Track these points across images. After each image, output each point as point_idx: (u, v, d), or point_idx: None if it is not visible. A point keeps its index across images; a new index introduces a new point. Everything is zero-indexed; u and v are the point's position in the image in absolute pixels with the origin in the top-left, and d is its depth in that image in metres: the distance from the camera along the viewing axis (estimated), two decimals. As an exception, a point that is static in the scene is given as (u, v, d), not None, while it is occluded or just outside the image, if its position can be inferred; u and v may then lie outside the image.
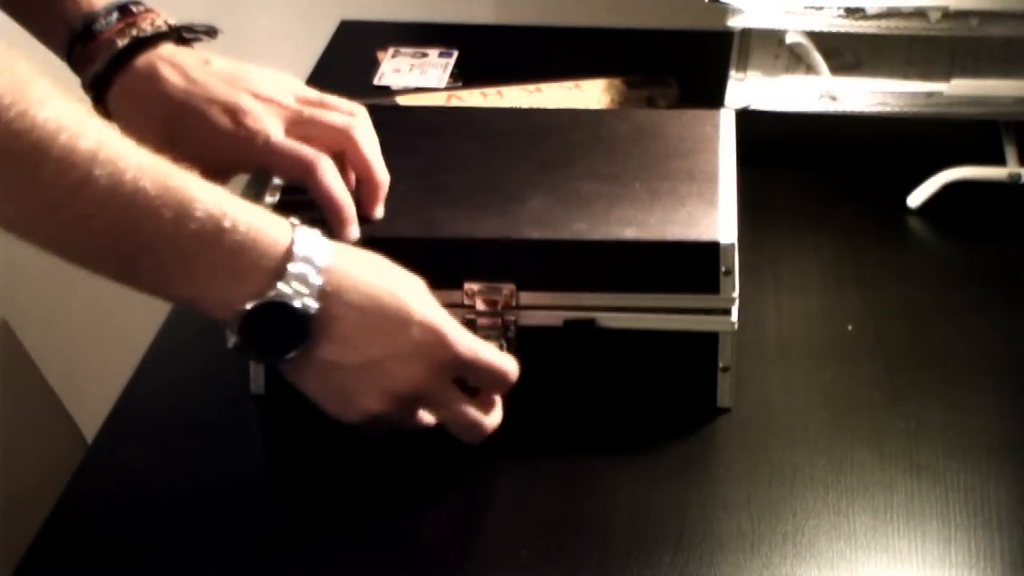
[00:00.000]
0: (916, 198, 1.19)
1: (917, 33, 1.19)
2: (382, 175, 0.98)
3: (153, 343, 1.06)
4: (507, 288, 0.95)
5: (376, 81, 1.40)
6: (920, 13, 1.18)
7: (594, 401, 0.98)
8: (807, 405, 0.99)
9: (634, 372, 0.98)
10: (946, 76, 1.23)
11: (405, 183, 1.00)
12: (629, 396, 0.99)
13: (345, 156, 0.98)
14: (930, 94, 1.21)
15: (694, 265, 0.94)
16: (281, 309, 0.83)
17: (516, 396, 0.96)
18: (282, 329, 0.84)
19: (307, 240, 0.85)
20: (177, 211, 0.81)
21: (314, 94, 1.00)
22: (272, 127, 0.96)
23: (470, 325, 0.95)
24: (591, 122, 1.10)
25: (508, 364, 0.92)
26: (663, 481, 0.93)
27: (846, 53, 1.28)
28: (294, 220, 0.86)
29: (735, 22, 1.21)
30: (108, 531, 0.91)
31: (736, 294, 0.95)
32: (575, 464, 0.95)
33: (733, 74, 1.26)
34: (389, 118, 1.12)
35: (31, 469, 1.10)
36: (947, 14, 1.18)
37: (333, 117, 0.98)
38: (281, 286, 0.83)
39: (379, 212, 0.97)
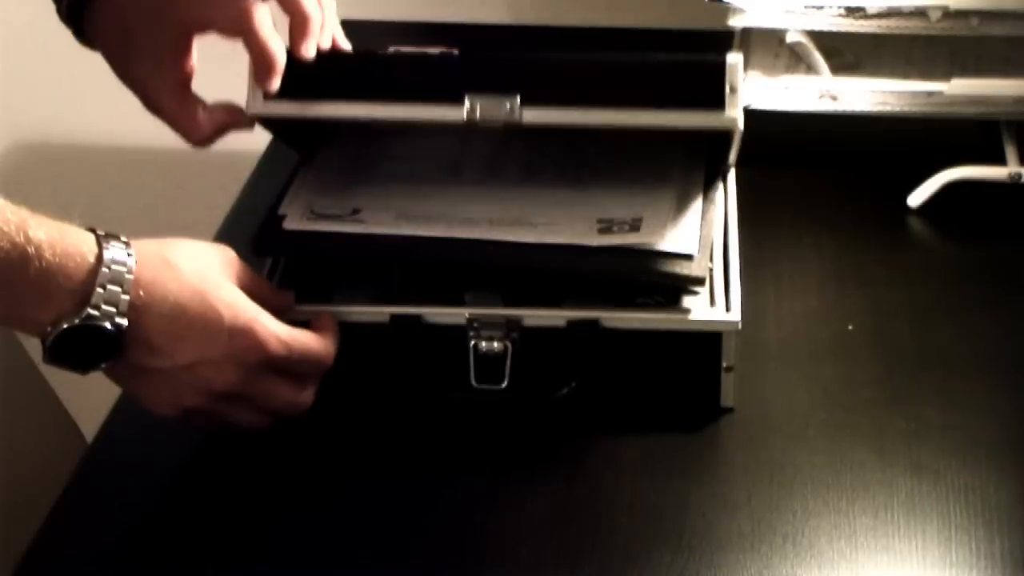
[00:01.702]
0: (916, 198, 1.19)
1: (917, 32, 1.19)
2: (310, 8, 0.96)
3: (153, 343, 1.06)
4: (509, 101, 0.94)
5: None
6: (920, 12, 1.18)
7: (596, 401, 0.98)
8: (808, 405, 0.99)
9: (637, 373, 0.98)
10: (946, 76, 1.22)
11: None
12: (632, 396, 0.99)
13: None
14: (930, 94, 1.21)
15: (700, 82, 0.94)
16: (90, 330, 0.84)
17: (517, 396, 0.97)
18: (92, 346, 0.85)
19: (114, 256, 0.84)
20: None
21: None
22: None
23: (472, 330, 0.96)
24: None
25: (323, 349, 0.93)
26: (663, 481, 0.93)
27: (846, 53, 1.28)
28: (100, 232, 0.86)
29: (735, 22, 1.21)
30: (108, 531, 0.91)
31: (741, 114, 0.94)
32: (575, 464, 0.95)
33: (733, 74, 1.26)
34: None
35: (31, 469, 1.10)
36: (947, 13, 1.17)
37: None
38: (89, 309, 0.83)
39: (309, 51, 0.95)
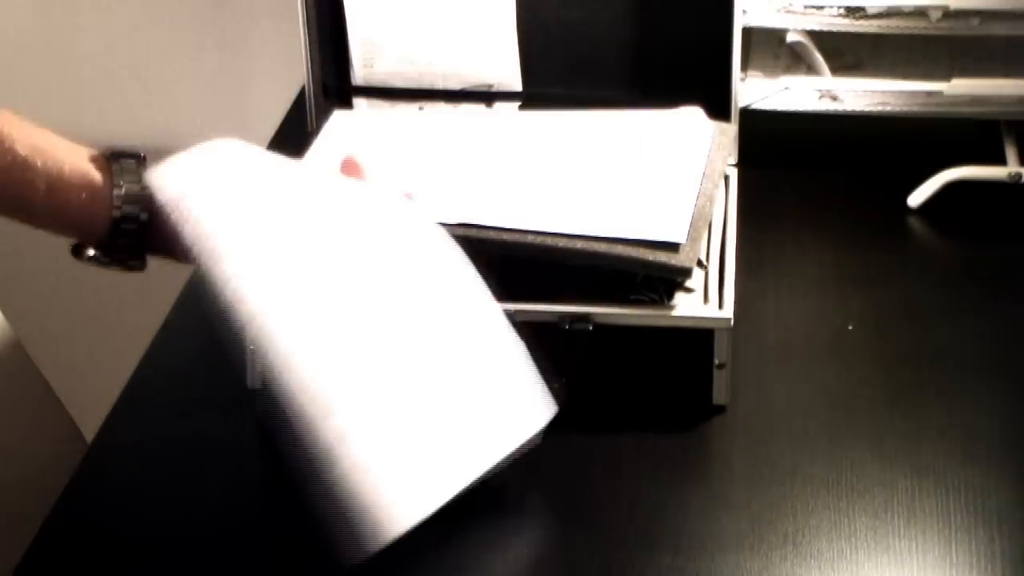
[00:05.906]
0: (916, 198, 1.19)
1: (918, 32, 1.19)
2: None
3: (152, 343, 1.06)
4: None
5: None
6: (921, 12, 1.18)
7: (591, 399, 0.98)
8: (807, 405, 0.99)
9: (630, 370, 0.98)
10: (947, 75, 1.23)
11: None
12: (626, 394, 0.99)
13: None
14: (930, 93, 1.21)
15: None
16: (124, 227, 0.86)
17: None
18: (135, 239, 0.87)
19: (125, 171, 0.87)
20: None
21: None
22: None
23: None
24: None
25: None
26: (663, 481, 0.93)
27: (846, 53, 1.28)
28: (107, 152, 0.87)
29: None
30: (108, 531, 0.91)
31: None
32: (575, 464, 0.94)
33: (734, 74, 1.26)
34: None
35: (31, 469, 1.10)
36: (948, 13, 1.17)
37: None
38: (115, 212, 0.86)
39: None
